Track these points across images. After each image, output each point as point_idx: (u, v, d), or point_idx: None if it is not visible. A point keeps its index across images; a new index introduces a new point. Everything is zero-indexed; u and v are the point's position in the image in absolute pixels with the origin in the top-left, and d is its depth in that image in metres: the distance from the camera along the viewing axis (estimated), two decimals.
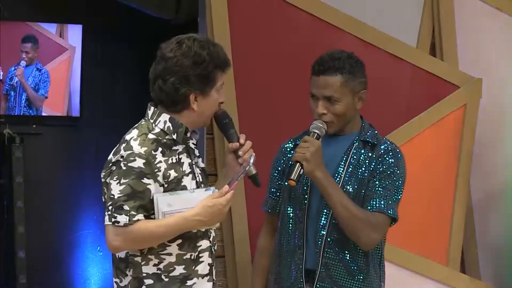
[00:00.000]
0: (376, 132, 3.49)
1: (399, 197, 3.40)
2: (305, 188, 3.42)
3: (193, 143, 3.16)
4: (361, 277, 3.40)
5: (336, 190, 3.32)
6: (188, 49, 3.04)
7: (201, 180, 3.16)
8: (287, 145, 3.57)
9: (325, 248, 3.37)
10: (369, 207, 3.35)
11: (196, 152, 3.19)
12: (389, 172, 3.38)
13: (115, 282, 3.11)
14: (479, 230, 4.78)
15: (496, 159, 4.78)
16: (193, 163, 3.13)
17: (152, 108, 3.12)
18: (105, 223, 3.00)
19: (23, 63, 5.86)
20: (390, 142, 3.48)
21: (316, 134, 3.35)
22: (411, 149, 4.35)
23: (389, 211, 3.35)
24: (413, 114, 4.56)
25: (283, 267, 3.47)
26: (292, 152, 3.44)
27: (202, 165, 3.21)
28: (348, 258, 3.39)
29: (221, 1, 4.33)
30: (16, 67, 5.89)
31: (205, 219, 3.02)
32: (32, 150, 5.98)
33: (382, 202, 3.34)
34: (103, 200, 3.08)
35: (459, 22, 4.77)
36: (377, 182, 3.37)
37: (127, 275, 3.06)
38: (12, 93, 5.90)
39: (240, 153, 3.15)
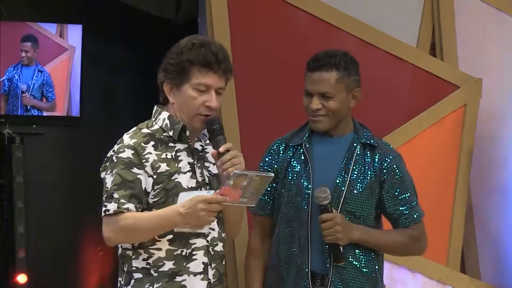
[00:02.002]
0: (370, 133, 3.47)
1: (416, 194, 3.48)
2: (307, 191, 3.38)
3: (200, 145, 3.14)
4: (372, 279, 3.39)
5: (376, 235, 3.39)
6: (179, 43, 3.07)
7: (207, 182, 3.10)
8: (279, 147, 3.50)
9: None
10: (404, 225, 3.43)
11: (209, 157, 3.12)
12: (399, 181, 3.41)
13: (119, 281, 3.11)
14: (479, 230, 4.78)
15: (496, 159, 4.78)
16: (195, 163, 3.11)
17: (156, 107, 3.13)
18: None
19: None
20: (384, 144, 3.47)
21: (327, 206, 3.30)
22: (411, 149, 4.34)
23: (420, 217, 3.44)
24: (413, 114, 4.56)
25: (284, 270, 3.42)
26: (284, 154, 3.44)
27: (214, 171, 3.12)
28: (358, 262, 3.38)
29: (221, 1, 4.33)
30: (16, 67, 5.90)
31: (184, 213, 2.92)
32: (32, 150, 5.99)
33: (411, 214, 3.42)
34: None
35: (459, 22, 4.77)
36: (396, 201, 3.41)
37: (124, 271, 3.06)
38: (12, 93, 5.90)
39: (218, 163, 3.02)
